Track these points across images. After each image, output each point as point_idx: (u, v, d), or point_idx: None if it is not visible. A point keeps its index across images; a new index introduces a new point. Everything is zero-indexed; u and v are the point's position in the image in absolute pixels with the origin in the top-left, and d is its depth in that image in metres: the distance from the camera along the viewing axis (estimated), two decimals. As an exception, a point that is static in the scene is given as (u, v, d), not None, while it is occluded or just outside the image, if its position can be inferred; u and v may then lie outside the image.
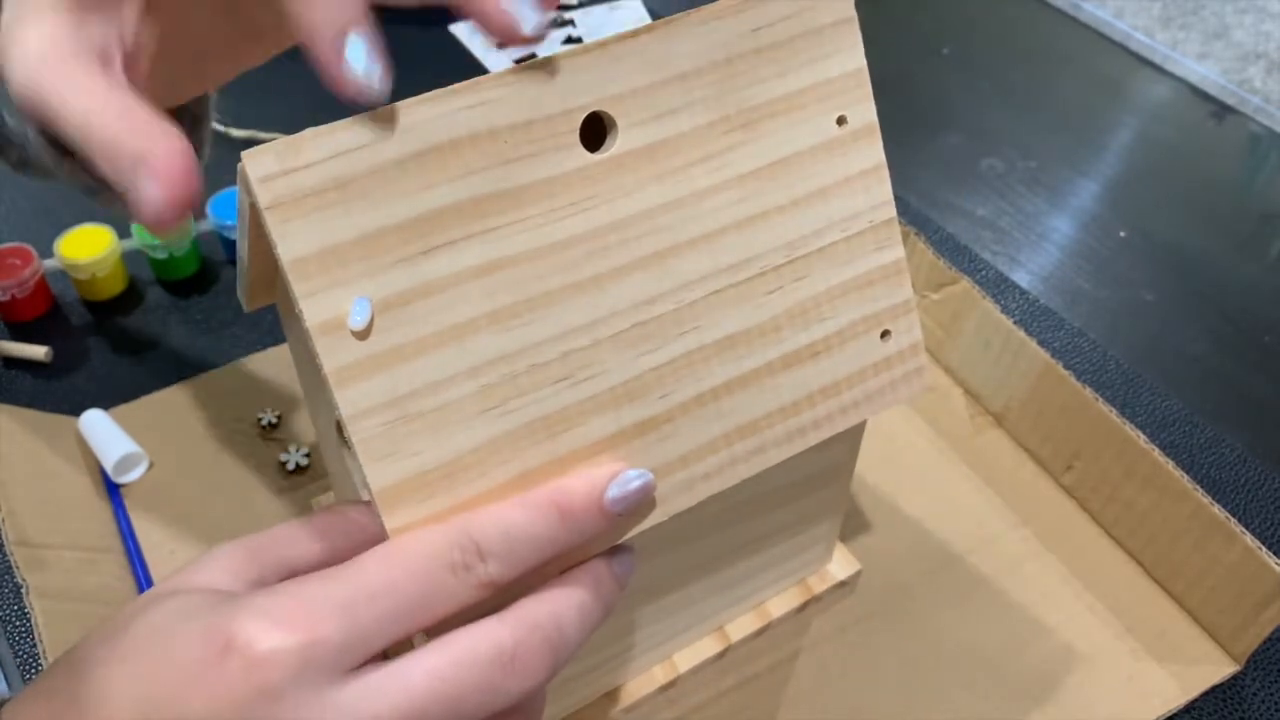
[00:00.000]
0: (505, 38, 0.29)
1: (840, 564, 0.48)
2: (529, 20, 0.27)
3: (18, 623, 0.42)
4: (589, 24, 0.87)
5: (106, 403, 0.54)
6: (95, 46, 0.31)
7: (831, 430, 0.35)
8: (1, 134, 0.37)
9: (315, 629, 0.24)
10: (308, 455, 0.52)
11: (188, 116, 0.40)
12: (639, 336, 0.30)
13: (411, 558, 0.26)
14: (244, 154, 0.25)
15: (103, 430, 0.52)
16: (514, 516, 0.28)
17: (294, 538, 0.29)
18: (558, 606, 0.28)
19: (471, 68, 0.82)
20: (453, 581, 0.26)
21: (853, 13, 0.33)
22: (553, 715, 0.42)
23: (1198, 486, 0.45)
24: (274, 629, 0.24)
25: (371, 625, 0.25)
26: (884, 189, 0.34)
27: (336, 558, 0.28)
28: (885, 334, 0.35)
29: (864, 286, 0.34)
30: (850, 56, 0.33)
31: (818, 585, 0.47)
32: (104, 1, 0.32)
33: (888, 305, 0.35)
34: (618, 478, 0.30)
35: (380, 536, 0.28)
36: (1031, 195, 0.75)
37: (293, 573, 0.28)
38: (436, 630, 0.26)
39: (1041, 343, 0.52)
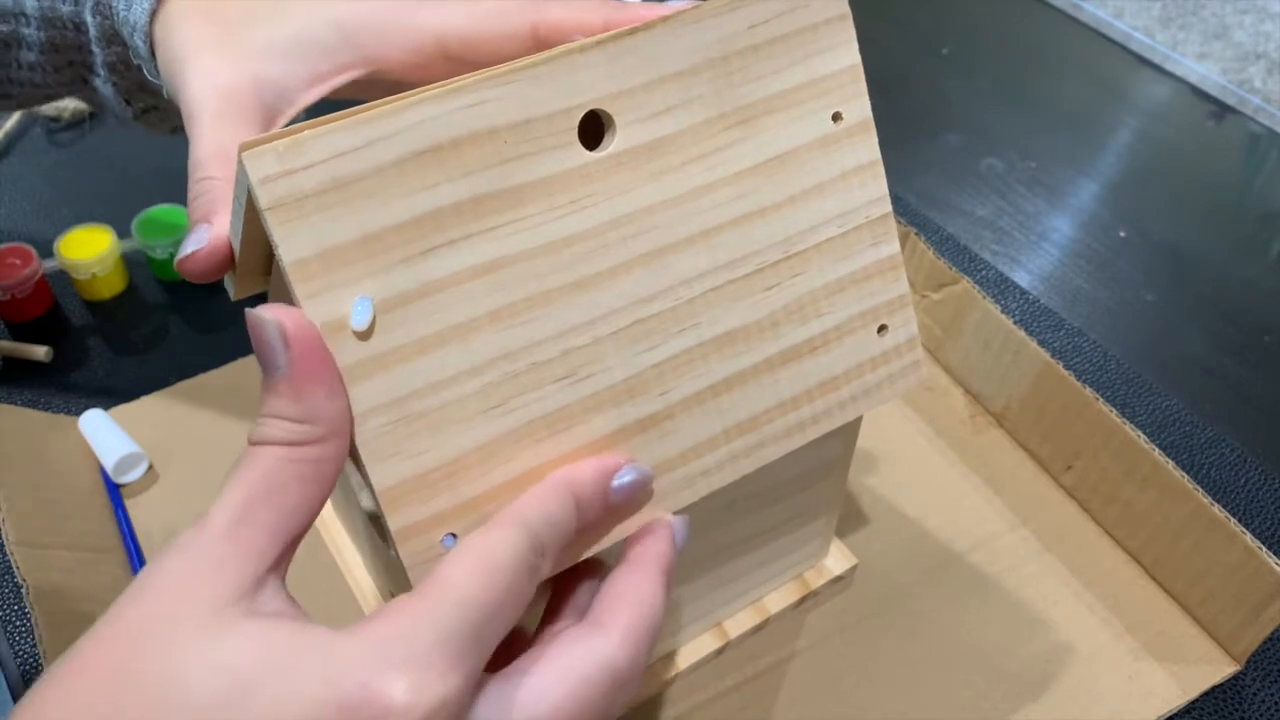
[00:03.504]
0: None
1: (836, 559, 0.48)
2: None
3: (18, 623, 0.42)
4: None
5: (106, 403, 0.54)
6: (268, 113, 0.35)
7: (830, 425, 0.35)
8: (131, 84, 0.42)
9: (446, 679, 0.23)
10: (308, 455, 0.52)
11: None
12: (639, 334, 0.30)
13: (508, 574, 0.25)
14: (243, 152, 0.25)
15: (103, 430, 0.52)
16: (551, 508, 0.28)
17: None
18: (651, 606, 0.28)
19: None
20: (528, 585, 0.26)
21: (846, 9, 0.33)
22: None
23: (1198, 486, 0.45)
24: (404, 682, 0.22)
25: (486, 652, 0.25)
26: (879, 184, 0.34)
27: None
28: (882, 328, 0.35)
29: (860, 281, 0.34)
30: (845, 53, 0.33)
31: (815, 580, 0.47)
32: (322, 80, 0.36)
33: (884, 300, 0.35)
34: (619, 470, 0.30)
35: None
36: (1031, 195, 0.75)
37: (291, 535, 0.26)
38: None
39: (1041, 343, 0.52)
